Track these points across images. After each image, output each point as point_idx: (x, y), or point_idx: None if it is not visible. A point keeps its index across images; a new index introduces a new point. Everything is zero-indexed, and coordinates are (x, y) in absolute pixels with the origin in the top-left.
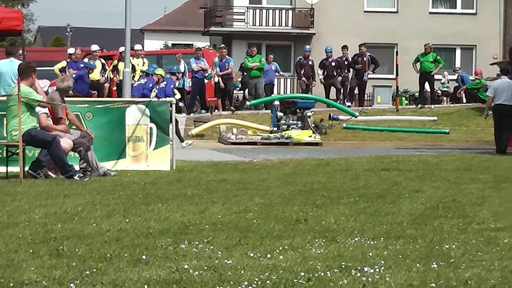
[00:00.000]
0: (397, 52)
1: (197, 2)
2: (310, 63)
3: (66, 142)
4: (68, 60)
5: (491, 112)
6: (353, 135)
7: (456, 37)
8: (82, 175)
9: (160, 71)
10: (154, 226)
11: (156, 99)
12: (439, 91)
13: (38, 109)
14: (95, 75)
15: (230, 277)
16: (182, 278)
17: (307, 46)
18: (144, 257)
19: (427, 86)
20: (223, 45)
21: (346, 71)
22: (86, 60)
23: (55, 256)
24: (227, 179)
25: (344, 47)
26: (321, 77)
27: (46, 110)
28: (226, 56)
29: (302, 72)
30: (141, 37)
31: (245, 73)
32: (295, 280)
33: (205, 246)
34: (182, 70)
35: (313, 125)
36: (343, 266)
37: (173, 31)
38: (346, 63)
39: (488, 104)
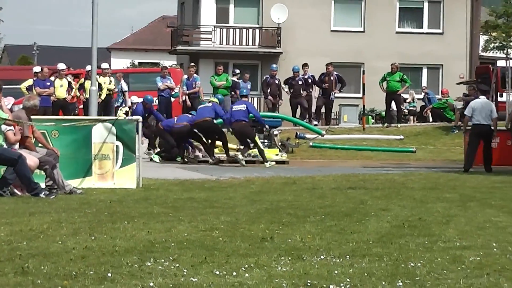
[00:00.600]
0: (363, 71)
1: (164, 21)
2: (276, 82)
3: (32, 160)
4: (34, 78)
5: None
6: (319, 153)
7: (423, 57)
8: (48, 192)
9: None
10: (120, 244)
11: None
12: (405, 110)
13: (3, 127)
14: (62, 93)
15: None
16: None
17: (274, 65)
18: (109, 275)
19: (393, 105)
20: (192, 64)
21: (310, 89)
22: (52, 78)
23: (20, 274)
24: (193, 197)
25: (305, 65)
26: (286, 90)
27: (12, 127)
28: (194, 75)
29: (268, 91)
30: (108, 55)
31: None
32: None
33: (171, 264)
34: (126, 89)
35: (279, 143)
36: (308, 284)
37: (140, 50)
38: (309, 81)
39: (465, 123)
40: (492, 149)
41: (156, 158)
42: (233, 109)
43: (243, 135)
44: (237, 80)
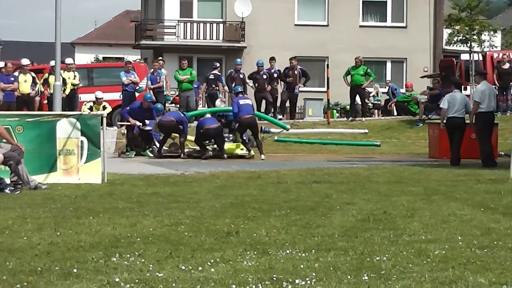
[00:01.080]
0: (327, 65)
1: (128, 15)
2: (241, 76)
3: None
4: None
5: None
6: (284, 148)
7: (387, 50)
8: (13, 188)
9: None
10: (85, 239)
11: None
12: (370, 104)
13: None
14: (26, 88)
15: None
16: None
17: (238, 60)
18: (75, 270)
19: (358, 99)
20: (160, 58)
21: (275, 83)
22: (16, 73)
23: None
24: (158, 192)
25: (272, 59)
26: (251, 85)
27: None
28: (158, 69)
29: (233, 85)
30: (71, 50)
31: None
32: None
33: (136, 259)
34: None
35: (244, 138)
36: (274, 279)
37: (104, 45)
38: (275, 75)
39: (442, 116)
40: (462, 143)
41: (132, 154)
42: (241, 103)
43: (253, 128)
44: (218, 73)
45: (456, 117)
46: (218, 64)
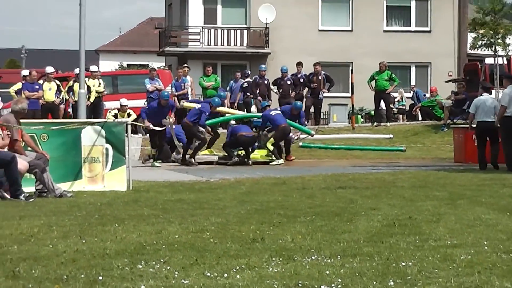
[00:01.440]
0: (352, 70)
1: (152, 22)
2: (265, 82)
3: (21, 164)
4: (23, 82)
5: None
6: (309, 153)
7: (411, 55)
8: (27, 195)
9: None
10: (111, 247)
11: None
12: (395, 109)
13: None
14: (50, 96)
15: None
16: None
17: (263, 66)
18: (100, 277)
19: (382, 104)
20: (185, 65)
21: (301, 88)
22: (41, 81)
23: (11, 278)
24: (183, 199)
25: (299, 64)
26: (276, 91)
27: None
28: (182, 76)
29: (257, 91)
30: (96, 58)
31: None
32: None
33: (162, 266)
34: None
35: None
36: (300, 285)
37: (128, 52)
38: (301, 80)
39: (470, 120)
40: (499, 145)
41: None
42: (273, 114)
43: (285, 137)
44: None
45: (486, 121)
46: (250, 72)
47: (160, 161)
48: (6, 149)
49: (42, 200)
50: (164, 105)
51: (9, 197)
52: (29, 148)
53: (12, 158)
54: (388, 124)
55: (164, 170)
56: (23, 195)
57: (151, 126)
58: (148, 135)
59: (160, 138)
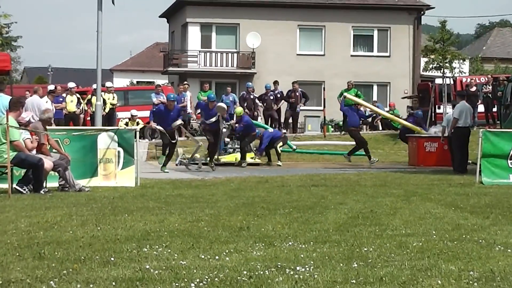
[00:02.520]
0: (324, 88)
1: (157, 47)
2: (251, 97)
3: (47, 163)
4: (49, 95)
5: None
6: (288, 157)
7: (373, 75)
8: (47, 190)
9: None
10: (121, 233)
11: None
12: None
13: (23, 135)
14: (72, 107)
15: (184, 276)
16: (144, 276)
17: (250, 83)
18: (112, 259)
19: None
20: (185, 82)
21: (280, 102)
22: (64, 95)
23: (37, 259)
24: (182, 194)
25: (275, 82)
26: (260, 105)
27: (29, 136)
28: (183, 91)
29: (245, 105)
30: (110, 75)
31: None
32: (238, 278)
33: (164, 250)
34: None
35: (254, 149)
36: (279, 266)
37: (137, 71)
38: (279, 95)
39: (453, 125)
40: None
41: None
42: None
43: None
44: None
45: (466, 127)
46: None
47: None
48: (34, 151)
49: (64, 193)
50: (170, 108)
51: (29, 191)
52: (54, 150)
53: (38, 161)
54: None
55: (167, 169)
56: (42, 190)
57: (154, 125)
58: (153, 140)
59: (172, 145)
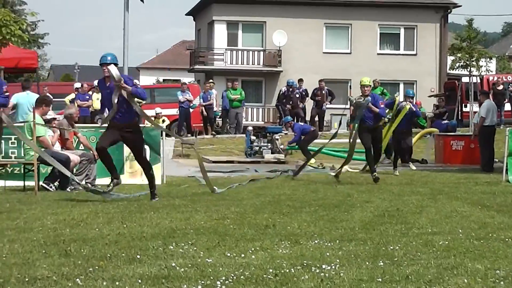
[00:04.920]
0: (350, 86)
1: (184, 44)
2: (295, 93)
3: (74, 157)
4: (76, 93)
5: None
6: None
7: (400, 74)
8: (73, 187)
9: None
10: (147, 231)
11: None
12: (385, 119)
13: (49, 132)
14: (98, 105)
15: (210, 273)
16: (169, 274)
17: (291, 80)
18: (138, 256)
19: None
20: (211, 80)
21: (305, 100)
22: (90, 92)
23: (63, 256)
24: (208, 192)
25: (300, 80)
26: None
27: (51, 133)
28: (209, 90)
29: (290, 102)
30: (137, 73)
31: None
32: (264, 276)
33: (190, 247)
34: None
35: (281, 146)
36: (304, 264)
37: (163, 69)
38: (303, 93)
39: (481, 123)
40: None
41: None
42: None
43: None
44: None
45: (493, 125)
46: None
47: None
48: (59, 147)
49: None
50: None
51: (56, 189)
52: (81, 147)
53: (66, 159)
54: None
55: (191, 167)
56: (68, 187)
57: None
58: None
59: None
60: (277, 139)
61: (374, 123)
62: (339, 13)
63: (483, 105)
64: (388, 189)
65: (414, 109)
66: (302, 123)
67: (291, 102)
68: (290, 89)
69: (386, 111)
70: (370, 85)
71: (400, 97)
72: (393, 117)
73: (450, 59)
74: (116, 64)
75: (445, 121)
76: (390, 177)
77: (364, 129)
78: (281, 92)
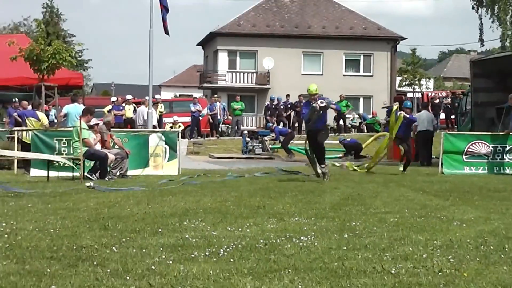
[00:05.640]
0: None
1: (195, 67)
2: (273, 107)
3: (110, 155)
4: (112, 105)
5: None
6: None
7: (360, 91)
8: (110, 177)
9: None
10: (167, 211)
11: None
12: (349, 125)
13: (92, 135)
14: (129, 114)
15: (215, 243)
16: (184, 243)
17: (273, 96)
18: (160, 230)
19: (341, 122)
20: (216, 95)
21: (289, 111)
22: (123, 104)
23: (103, 229)
24: (213, 181)
25: (288, 95)
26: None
27: (94, 135)
28: (214, 102)
29: (269, 113)
30: (159, 90)
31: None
32: (256, 245)
33: (199, 223)
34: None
35: (270, 146)
36: (287, 236)
37: (179, 86)
38: (289, 106)
39: (414, 130)
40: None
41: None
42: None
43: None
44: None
45: (425, 130)
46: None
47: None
48: (99, 146)
49: (124, 179)
50: None
51: (97, 178)
52: (116, 146)
53: (105, 155)
54: (345, 134)
55: (200, 162)
56: (107, 177)
57: None
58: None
59: None
60: (266, 140)
61: (322, 126)
62: (314, 44)
63: (417, 115)
64: (351, 178)
65: (409, 117)
66: (281, 127)
67: (276, 112)
68: (273, 102)
69: (387, 118)
70: (317, 93)
71: (394, 107)
72: (391, 125)
73: (398, 79)
74: None
75: None
76: (352, 169)
77: (312, 132)
78: (266, 105)
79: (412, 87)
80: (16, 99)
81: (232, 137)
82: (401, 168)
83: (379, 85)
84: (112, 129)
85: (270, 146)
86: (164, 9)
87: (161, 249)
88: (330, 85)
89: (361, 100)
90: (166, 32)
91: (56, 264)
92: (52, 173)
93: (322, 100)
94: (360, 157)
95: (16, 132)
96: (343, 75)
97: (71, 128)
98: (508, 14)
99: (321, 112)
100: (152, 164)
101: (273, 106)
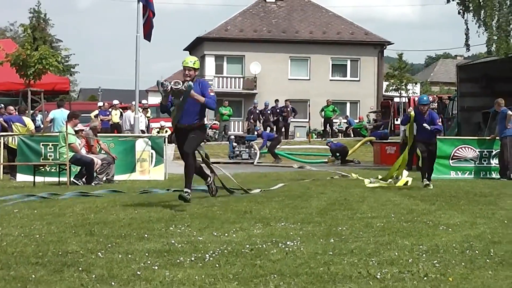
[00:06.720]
0: (309, 105)
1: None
2: (257, 111)
3: (97, 160)
4: (99, 110)
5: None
6: (282, 157)
7: (347, 95)
8: (97, 182)
9: None
10: (153, 216)
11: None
12: (336, 129)
13: (78, 140)
14: (116, 119)
15: (201, 248)
16: (170, 249)
17: (256, 101)
18: (146, 235)
19: (328, 126)
20: None
21: (277, 116)
22: (110, 109)
23: (89, 235)
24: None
25: (276, 101)
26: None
27: (79, 141)
28: None
29: (252, 116)
30: (146, 95)
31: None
32: (243, 250)
33: (186, 228)
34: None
35: (255, 151)
36: (274, 241)
37: None
38: (278, 111)
39: (403, 135)
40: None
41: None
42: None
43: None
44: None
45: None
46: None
47: None
48: (85, 152)
49: (110, 185)
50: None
51: (83, 183)
52: (103, 152)
53: (90, 160)
54: (332, 139)
55: None
56: (93, 182)
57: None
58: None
59: None
60: (253, 145)
61: (193, 122)
62: (301, 49)
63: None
64: (337, 183)
65: (429, 112)
66: (268, 131)
67: (263, 117)
68: (256, 106)
69: (403, 128)
70: (193, 68)
71: (412, 112)
72: (409, 137)
73: (385, 84)
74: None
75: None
76: (340, 174)
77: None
78: (249, 109)
79: (399, 92)
80: (2, 105)
81: (219, 142)
82: (426, 182)
83: (366, 90)
84: (98, 134)
85: (258, 151)
86: (152, 14)
87: (147, 254)
88: (317, 90)
89: (348, 105)
90: (147, 37)
91: (41, 270)
92: (39, 179)
93: (178, 82)
94: (347, 161)
95: (2, 138)
96: (330, 80)
97: (57, 133)
98: (494, 19)
99: (181, 97)
100: (139, 169)
101: (257, 111)
